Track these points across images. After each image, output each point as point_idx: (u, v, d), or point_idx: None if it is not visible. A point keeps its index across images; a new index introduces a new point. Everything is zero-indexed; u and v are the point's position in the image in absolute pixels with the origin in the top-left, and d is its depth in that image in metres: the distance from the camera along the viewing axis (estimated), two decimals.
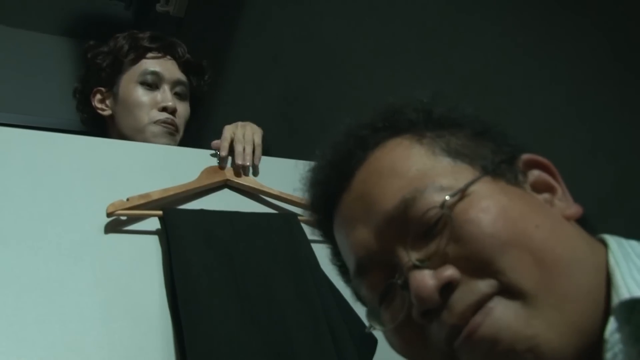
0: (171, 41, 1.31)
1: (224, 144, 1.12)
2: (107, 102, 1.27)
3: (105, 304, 0.88)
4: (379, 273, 0.49)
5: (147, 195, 1.00)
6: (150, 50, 1.27)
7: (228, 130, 1.15)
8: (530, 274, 0.42)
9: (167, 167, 1.09)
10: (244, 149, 1.13)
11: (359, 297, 0.55)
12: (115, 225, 0.97)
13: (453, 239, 0.45)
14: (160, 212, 0.99)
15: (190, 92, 1.32)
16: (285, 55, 1.76)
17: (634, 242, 0.47)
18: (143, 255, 0.96)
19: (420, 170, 0.49)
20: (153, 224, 0.99)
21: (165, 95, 1.23)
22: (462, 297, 0.43)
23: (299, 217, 1.09)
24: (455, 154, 0.50)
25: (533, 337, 0.41)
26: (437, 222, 0.46)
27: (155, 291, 0.93)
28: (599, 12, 0.80)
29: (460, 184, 0.47)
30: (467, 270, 0.43)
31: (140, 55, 1.26)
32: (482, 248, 0.43)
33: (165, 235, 0.96)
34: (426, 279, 0.43)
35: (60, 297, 0.86)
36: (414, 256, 0.46)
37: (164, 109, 1.22)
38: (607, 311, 0.42)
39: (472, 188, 0.46)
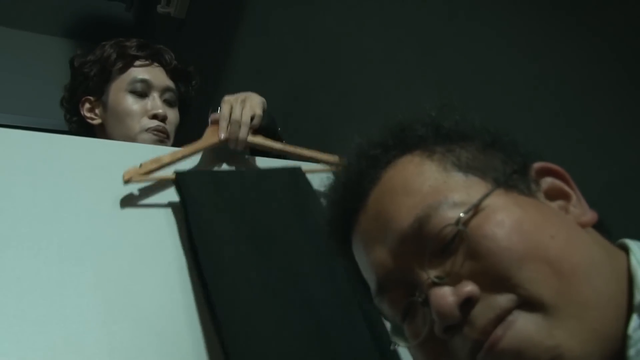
0: (158, 48, 1.33)
1: (222, 124, 1.09)
2: (97, 111, 1.28)
3: (106, 305, 0.88)
4: (399, 291, 0.50)
5: (158, 159, 1.02)
6: (137, 58, 1.28)
7: (226, 106, 1.11)
8: (549, 285, 0.42)
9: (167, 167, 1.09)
10: (237, 136, 1.09)
11: (383, 315, 0.56)
12: (122, 218, 0.97)
13: (470, 255, 0.45)
14: (173, 176, 1.01)
15: (179, 98, 1.33)
16: (285, 56, 1.76)
17: None
18: (144, 256, 0.96)
19: (432, 186, 0.49)
20: (161, 216, 1.00)
21: (155, 103, 1.24)
22: (483, 312, 0.43)
23: (303, 169, 1.11)
24: (466, 168, 0.50)
25: (556, 347, 0.41)
26: (453, 238, 0.46)
27: (155, 291, 0.93)
28: (600, 12, 0.80)
29: (473, 198, 0.47)
30: (485, 285, 0.44)
31: (128, 64, 1.27)
32: (500, 262, 0.44)
33: (182, 199, 0.98)
34: (446, 296, 0.44)
35: (61, 298, 0.85)
36: (432, 273, 0.46)
37: (155, 117, 1.23)
38: (629, 317, 0.42)
39: (486, 202, 0.47)
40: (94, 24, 3.10)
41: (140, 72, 1.26)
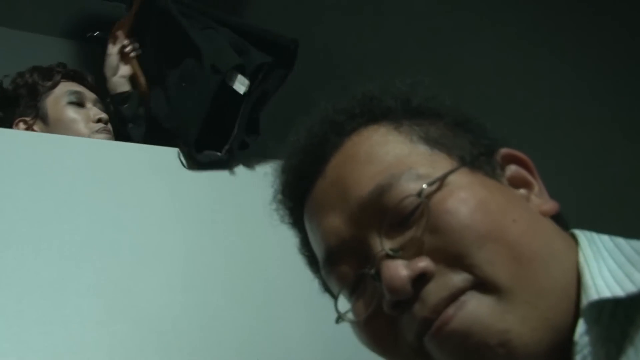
0: (81, 71, 1.43)
1: None
2: (35, 127, 1.31)
3: (106, 305, 0.88)
4: (350, 262, 0.47)
5: None
6: (62, 74, 1.38)
7: None
8: (506, 268, 0.41)
9: (168, 166, 1.09)
10: None
11: (327, 288, 0.54)
12: (122, 217, 0.97)
13: (429, 229, 0.43)
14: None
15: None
16: None
17: (605, 237, 0.45)
18: (145, 256, 0.96)
19: (396, 156, 0.47)
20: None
21: (94, 110, 1.33)
22: (436, 290, 0.42)
23: None
24: (433, 142, 0.48)
25: (506, 332, 0.40)
26: (414, 211, 0.44)
27: (155, 291, 0.93)
28: (602, 12, 0.80)
29: (438, 173, 0.45)
30: (442, 262, 0.42)
31: (56, 81, 1.35)
32: (459, 240, 0.42)
33: None
34: (399, 269, 0.42)
35: (61, 299, 0.85)
36: (387, 245, 0.44)
37: (99, 120, 1.31)
38: (577, 310, 0.41)
39: (450, 178, 0.45)
40: (94, 24, 3.09)
41: (70, 85, 1.36)
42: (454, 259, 0.42)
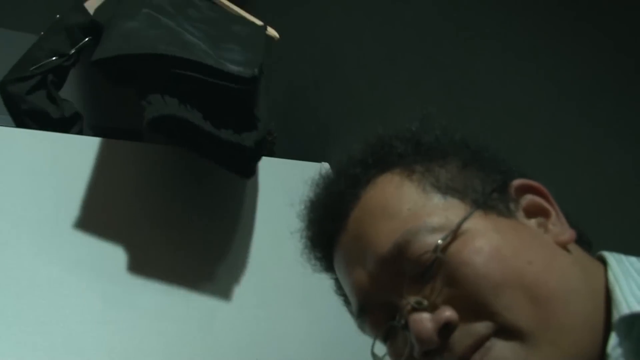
0: None
1: None
2: None
3: (106, 305, 0.88)
4: (380, 313, 0.50)
5: None
6: None
7: None
8: (526, 312, 0.43)
9: (168, 166, 1.09)
10: None
11: (364, 332, 0.56)
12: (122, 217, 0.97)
13: (448, 281, 0.45)
14: None
15: None
16: (285, 56, 1.76)
17: (633, 259, 0.47)
18: (146, 256, 0.96)
19: (411, 210, 0.49)
20: None
21: None
22: (461, 338, 0.44)
23: None
24: (445, 189, 0.50)
25: None
26: (432, 265, 0.46)
27: (155, 291, 0.93)
28: (602, 12, 0.80)
29: (452, 222, 0.47)
30: (464, 311, 0.44)
31: None
32: (477, 290, 0.44)
33: None
34: (425, 322, 0.44)
35: (61, 298, 0.85)
36: (412, 299, 0.46)
37: None
38: (608, 329, 0.42)
39: (464, 226, 0.47)
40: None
41: None
42: (475, 307, 0.44)
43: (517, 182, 0.52)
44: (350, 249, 0.52)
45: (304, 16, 1.69)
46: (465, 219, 0.47)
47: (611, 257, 0.48)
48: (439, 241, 0.46)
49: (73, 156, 1.02)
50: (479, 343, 0.43)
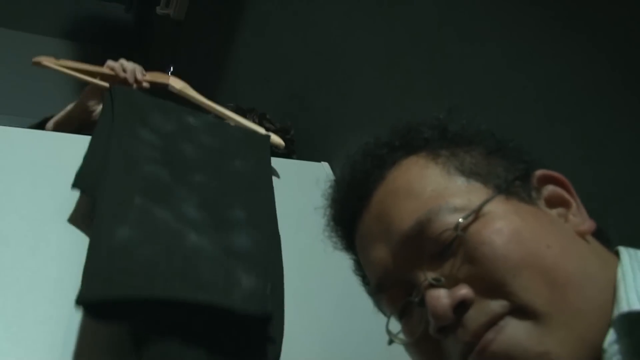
0: None
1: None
2: None
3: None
4: (398, 290, 0.51)
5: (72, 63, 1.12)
6: None
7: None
8: (542, 293, 0.43)
9: None
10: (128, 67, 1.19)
11: (380, 309, 0.58)
12: None
13: (467, 260, 0.46)
14: (107, 84, 1.05)
15: None
16: (285, 56, 1.76)
17: None
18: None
19: (435, 190, 0.50)
20: None
21: None
22: (475, 316, 0.45)
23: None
24: (469, 173, 0.51)
25: (545, 354, 0.42)
26: (452, 243, 0.47)
27: None
28: (600, 13, 0.80)
29: (474, 204, 0.48)
30: (480, 290, 0.45)
31: None
32: (495, 269, 0.44)
33: (110, 112, 0.96)
34: (441, 298, 0.45)
35: (61, 298, 0.85)
36: (430, 275, 0.47)
37: None
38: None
39: (486, 208, 0.48)
40: (93, 25, 3.10)
41: None
42: (492, 286, 0.45)
43: (539, 172, 0.54)
44: (372, 226, 0.54)
45: (304, 16, 1.69)
46: (487, 201, 0.48)
47: (625, 252, 0.48)
48: (460, 220, 0.47)
49: (73, 156, 1.02)
50: (493, 321, 0.44)
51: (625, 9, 0.75)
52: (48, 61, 1.03)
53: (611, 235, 0.54)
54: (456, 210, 0.48)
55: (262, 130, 1.19)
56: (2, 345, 0.78)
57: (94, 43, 2.98)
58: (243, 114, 1.44)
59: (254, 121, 1.43)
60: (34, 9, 2.88)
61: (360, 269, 0.60)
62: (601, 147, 0.79)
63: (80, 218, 0.95)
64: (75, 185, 0.87)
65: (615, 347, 0.41)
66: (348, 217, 0.58)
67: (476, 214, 0.47)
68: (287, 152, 1.45)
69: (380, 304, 0.56)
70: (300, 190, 1.13)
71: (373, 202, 0.54)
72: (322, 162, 1.34)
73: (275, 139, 1.19)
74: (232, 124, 1.20)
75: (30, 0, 2.86)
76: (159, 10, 2.60)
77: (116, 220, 0.78)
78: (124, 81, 1.18)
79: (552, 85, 0.87)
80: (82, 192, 0.89)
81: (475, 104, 1.00)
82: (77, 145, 1.04)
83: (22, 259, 0.87)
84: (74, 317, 0.84)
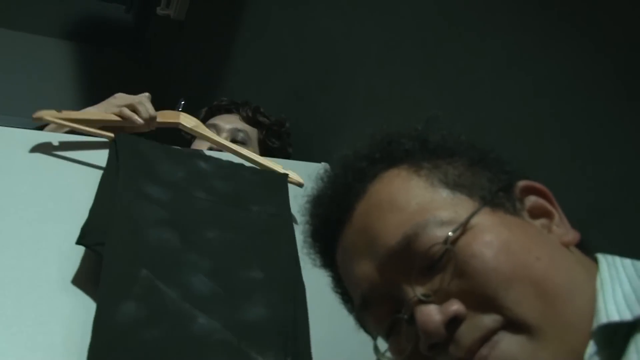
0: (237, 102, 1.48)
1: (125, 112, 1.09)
2: None
3: None
4: (383, 306, 0.50)
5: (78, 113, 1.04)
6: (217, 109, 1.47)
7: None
8: (534, 307, 0.43)
9: None
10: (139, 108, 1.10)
11: (363, 327, 0.56)
12: None
13: (457, 274, 0.45)
14: (112, 134, 0.98)
15: (257, 138, 1.48)
16: (284, 57, 1.77)
17: (627, 261, 0.47)
18: None
19: (420, 204, 0.49)
20: None
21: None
22: (468, 332, 0.44)
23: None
24: (453, 185, 0.50)
25: None
26: (441, 257, 0.46)
27: None
28: (597, 15, 0.80)
29: (461, 217, 0.47)
30: (472, 304, 0.44)
31: (206, 117, 1.47)
32: (486, 283, 0.44)
33: (116, 163, 0.92)
34: (432, 314, 0.44)
35: (61, 298, 0.85)
36: (419, 291, 0.46)
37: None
38: None
39: (473, 221, 0.47)
40: (94, 25, 3.10)
41: (212, 119, 1.43)
42: (483, 300, 0.44)
43: (522, 183, 0.53)
44: (355, 241, 0.52)
45: (304, 17, 1.69)
46: (474, 213, 0.47)
47: (603, 260, 0.48)
48: (449, 233, 0.46)
49: (73, 156, 1.02)
50: (487, 336, 0.43)
51: (625, 8, 0.75)
52: (49, 115, 0.99)
53: (592, 241, 0.53)
54: (443, 223, 0.47)
55: (279, 168, 1.11)
56: (2, 345, 0.78)
57: (94, 43, 2.98)
58: (237, 108, 1.45)
59: (247, 114, 1.44)
60: (34, 9, 2.88)
61: (340, 285, 0.58)
62: (601, 147, 0.79)
63: (81, 219, 0.95)
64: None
65: (596, 358, 0.41)
66: (329, 232, 0.56)
67: (464, 227, 0.46)
68: (283, 145, 1.46)
69: (364, 321, 0.54)
70: (300, 190, 1.13)
71: (355, 216, 0.53)
72: (322, 162, 1.34)
73: (295, 177, 1.10)
74: (246, 163, 1.11)
75: (30, 0, 2.86)
76: (159, 10, 2.60)
77: (121, 295, 0.76)
78: (132, 128, 1.10)
79: (552, 85, 0.87)
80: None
81: (475, 104, 1.00)
82: (77, 145, 1.04)
83: (22, 259, 0.87)
84: (74, 317, 0.84)
